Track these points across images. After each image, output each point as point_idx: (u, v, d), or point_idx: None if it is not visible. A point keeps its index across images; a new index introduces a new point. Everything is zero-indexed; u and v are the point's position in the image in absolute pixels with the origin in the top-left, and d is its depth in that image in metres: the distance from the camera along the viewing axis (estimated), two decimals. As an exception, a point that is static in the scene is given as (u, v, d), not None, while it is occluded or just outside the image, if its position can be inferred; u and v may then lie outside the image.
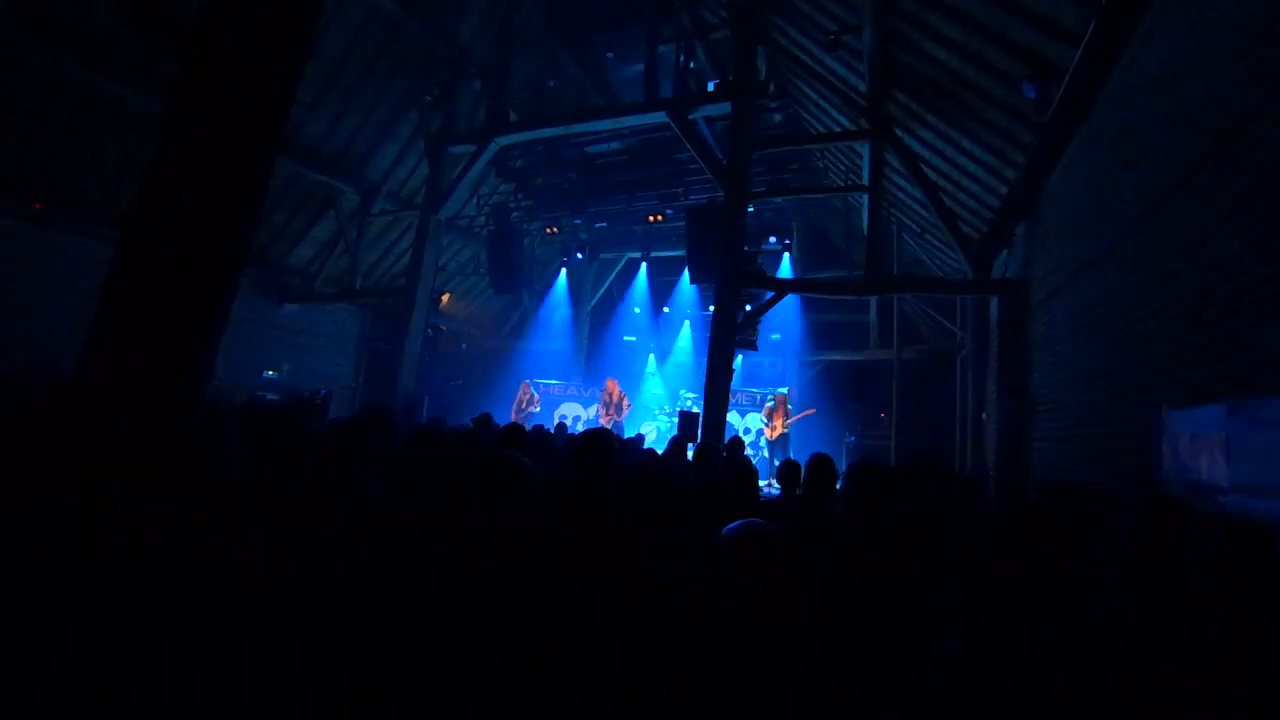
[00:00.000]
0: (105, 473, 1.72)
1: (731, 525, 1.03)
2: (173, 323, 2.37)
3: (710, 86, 8.41)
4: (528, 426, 7.27)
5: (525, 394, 12.50)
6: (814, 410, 11.30)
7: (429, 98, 9.90)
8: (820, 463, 3.44)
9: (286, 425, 2.93)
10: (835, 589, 1.56)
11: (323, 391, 8.67)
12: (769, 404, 11.10)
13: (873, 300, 11.54)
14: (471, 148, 9.45)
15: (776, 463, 10.50)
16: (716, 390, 7.21)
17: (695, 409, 9.23)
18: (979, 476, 6.97)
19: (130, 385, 2.24)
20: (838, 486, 3.56)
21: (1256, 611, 1.42)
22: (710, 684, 0.95)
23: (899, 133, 7.13)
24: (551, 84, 10.90)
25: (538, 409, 12.57)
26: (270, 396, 8.83)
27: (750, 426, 12.22)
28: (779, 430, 10.75)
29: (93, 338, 2.27)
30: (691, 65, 8.78)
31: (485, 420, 5.71)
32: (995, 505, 3.49)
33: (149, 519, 1.49)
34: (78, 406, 2.15)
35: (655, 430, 12.76)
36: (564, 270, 14.70)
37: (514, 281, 11.67)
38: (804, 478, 3.54)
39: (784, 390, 11.45)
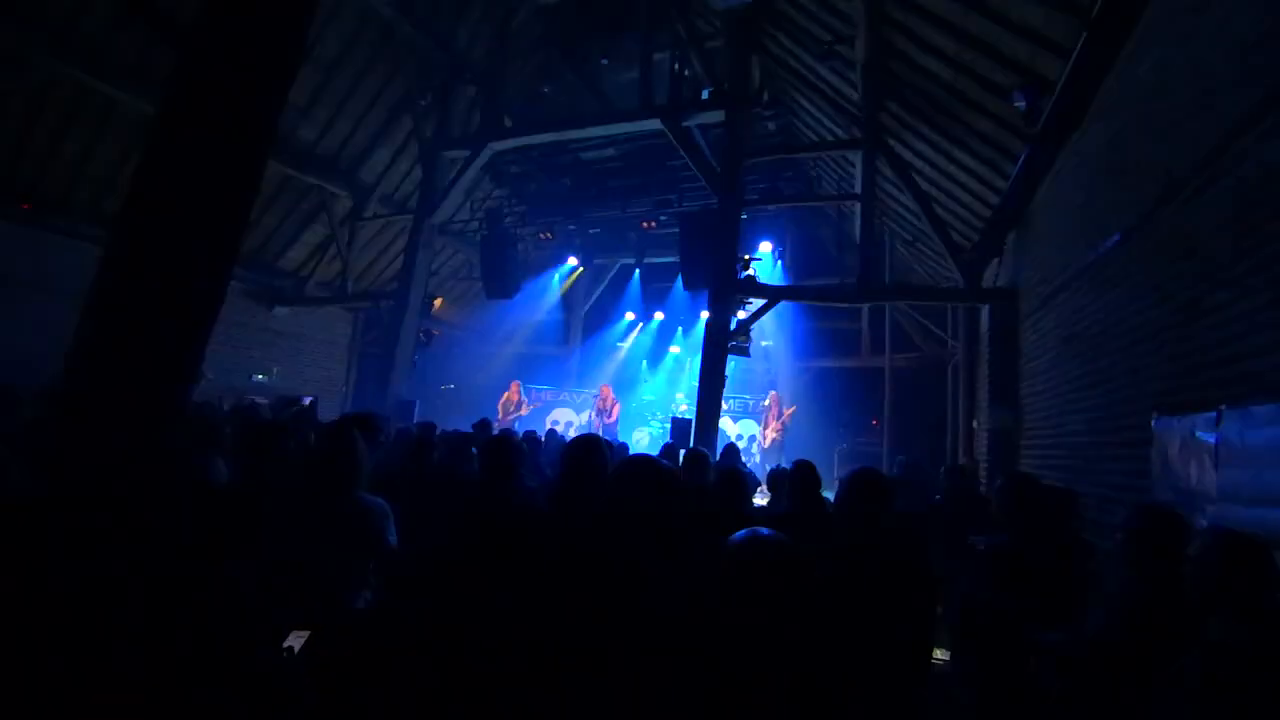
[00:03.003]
0: (92, 476, 1.70)
1: (737, 534, 1.01)
2: (160, 325, 2.34)
3: (704, 94, 8.45)
4: (517, 430, 7.24)
5: (515, 395, 12.29)
6: (794, 407, 11.29)
7: (423, 102, 9.89)
8: (802, 470, 3.42)
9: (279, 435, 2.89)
10: (831, 598, 1.55)
11: (306, 399, 8.55)
12: (765, 406, 11.08)
13: (865, 308, 11.60)
14: (466, 152, 9.45)
15: (769, 469, 10.50)
16: (709, 396, 7.22)
17: (688, 415, 9.22)
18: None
19: (117, 387, 2.21)
20: (824, 493, 3.55)
21: (1251, 620, 1.43)
22: (709, 693, 0.94)
23: (891, 142, 7.18)
24: (546, 90, 10.93)
25: (526, 413, 12.45)
26: (260, 400, 8.74)
27: (743, 433, 12.23)
28: (772, 437, 10.75)
29: (79, 339, 2.24)
30: (686, 73, 8.81)
31: (484, 425, 5.70)
32: (991, 512, 3.50)
33: (136, 523, 1.47)
34: (64, 410, 2.12)
35: (648, 436, 12.74)
36: (557, 276, 14.70)
37: (507, 286, 11.64)
38: (788, 485, 3.53)
39: (774, 391, 11.39)
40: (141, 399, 2.26)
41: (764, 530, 1.01)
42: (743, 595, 0.93)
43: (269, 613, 1.46)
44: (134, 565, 1.24)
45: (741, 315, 7.73)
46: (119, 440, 1.98)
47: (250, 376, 11.01)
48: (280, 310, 11.40)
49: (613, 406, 11.94)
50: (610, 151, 10.98)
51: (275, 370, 11.45)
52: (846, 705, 0.92)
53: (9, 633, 1.03)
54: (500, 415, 11.88)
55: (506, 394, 12.31)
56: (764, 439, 10.86)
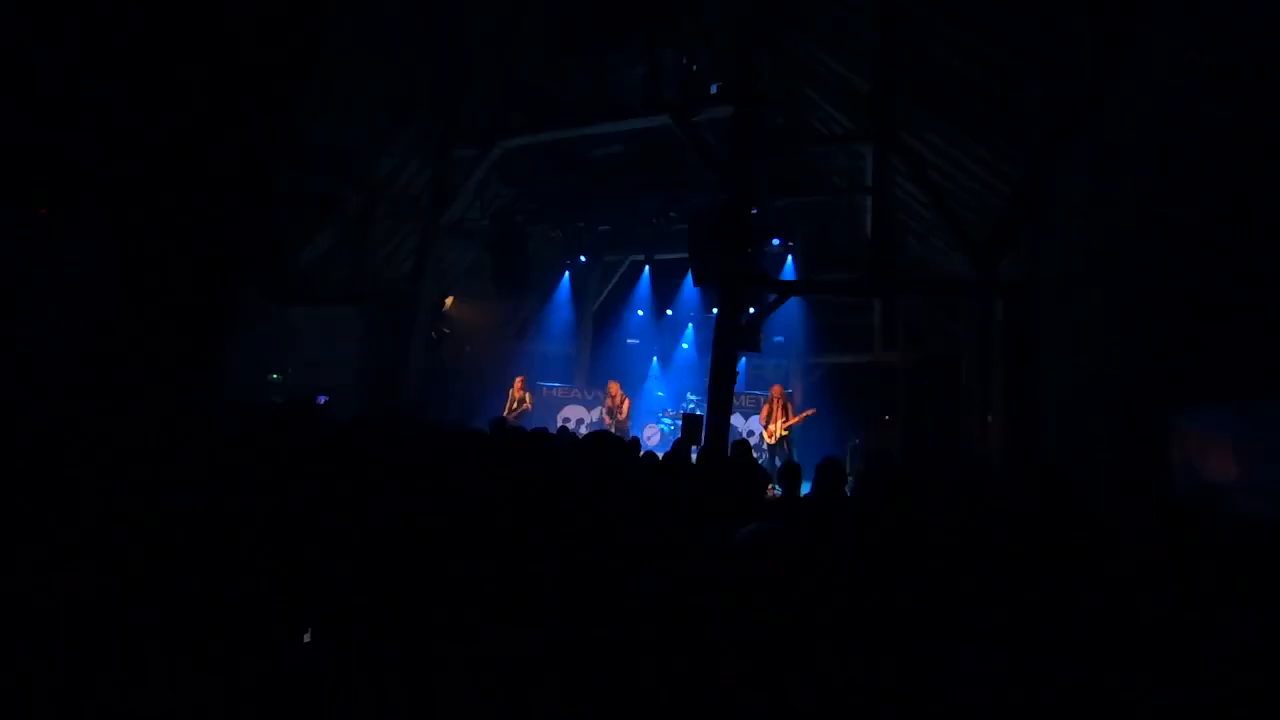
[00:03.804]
0: (111, 474, 1.72)
1: (746, 528, 1.01)
2: (176, 326, 2.38)
3: (713, 89, 8.42)
4: (526, 428, 7.27)
5: (518, 392, 12.25)
6: (814, 410, 11.16)
7: (432, 102, 9.93)
8: (831, 465, 3.46)
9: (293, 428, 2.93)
10: (846, 591, 1.55)
11: (320, 399, 8.61)
12: (764, 404, 11.00)
13: (877, 303, 11.52)
14: (475, 151, 9.48)
15: (778, 463, 10.46)
16: (720, 393, 7.21)
17: (699, 412, 9.21)
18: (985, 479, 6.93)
19: (134, 388, 2.24)
20: (847, 489, 3.57)
21: (1266, 613, 1.41)
22: (720, 688, 0.94)
23: (902, 135, 7.12)
24: (554, 87, 10.92)
25: (530, 408, 12.44)
26: (275, 400, 8.84)
27: (754, 429, 12.19)
28: (778, 433, 10.67)
29: (97, 341, 2.27)
30: (694, 68, 8.78)
31: (500, 424, 5.79)
32: (1004, 507, 3.47)
33: (154, 519, 1.49)
34: (83, 409, 2.16)
35: (659, 433, 12.75)
36: (567, 273, 14.72)
37: (517, 284, 11.67)
38: (815, 479, 3.56)
39: (778, 385, 11.25)
40: (158, 399, 2.30)
41: (771, 522, 1.01)
42: (751, 588, 0.92)
43: (285, 606, 1.48)
44: (149, 559, 1.26)
45: (752, 311, 7.71)
46: (135, 440, 2.01)
47: (264, 376, 11.12)
48: (293, 310, 11.50)
49: (623, 403, 11.93)
50: (619, 148, 10.97)
51: (289, 370, 11.56)
52: (858, 701, 0.92)
53: (31, 627, 1.05)
54: (506, 412, 11.91)
55: (510, 391, 12.30)
56: (768, 434, 10.79)
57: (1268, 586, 1.49)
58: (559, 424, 12.28)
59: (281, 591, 1.59)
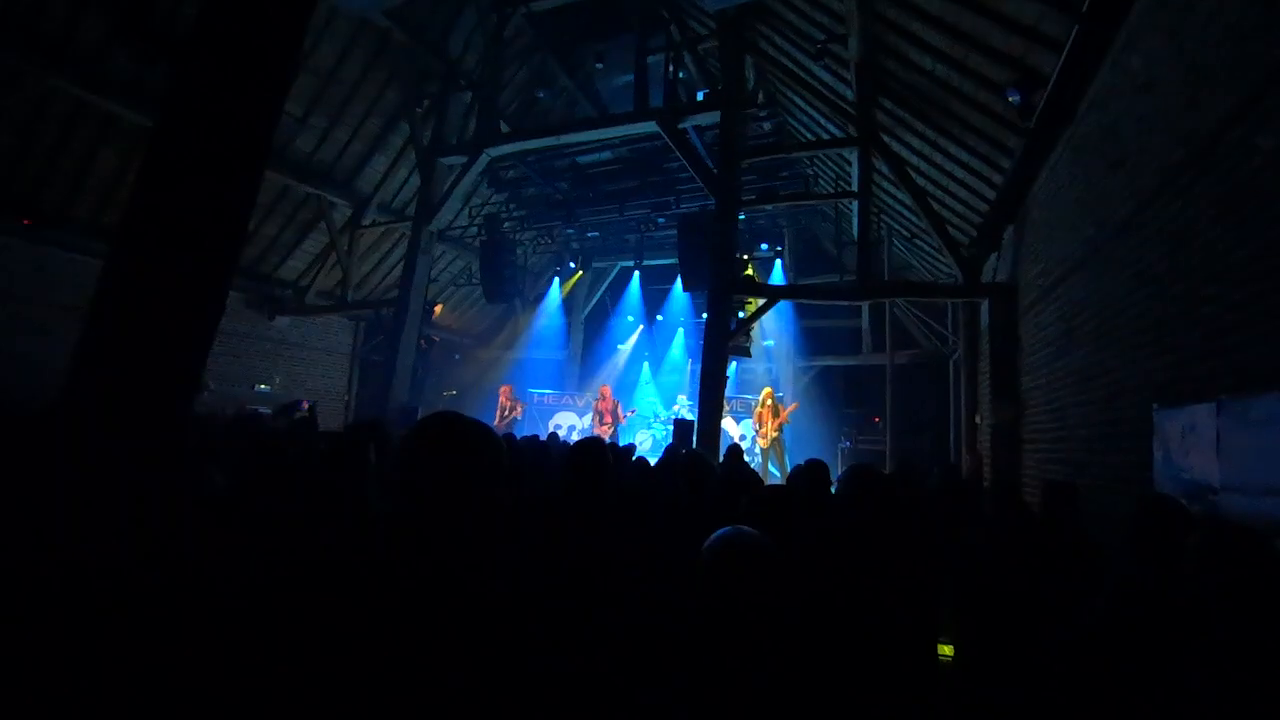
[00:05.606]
0: (93, 485, 1.71)
1: (715, 535, 0.99)
2: (162, 336, 2.35)
3: (699, 96, 8.47)
4: (516, 435, 7.24)
5: (506, 400, 12.29)
6: (797, 404, 11.32)
7: (419, 109, 9.92)
8: (813, 468, 3.45)
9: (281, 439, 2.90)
10: (829, 597, 1.55)
11: (304, 404, 8.50)
12: (756, 407, 11.06)
13: (864, 306, 11.60)
14: (463, 159, 9.47)
15: (772, 469, 10.49)
16: (710, 398, 7.22)
17: (690, 417, 9.22)
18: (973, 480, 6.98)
19: (118, 399, 2.22)
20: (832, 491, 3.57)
21: (1252, 612, 1.42)
22: (700, 704, 0.93)
23: (886, 139, 7.19)
24: (542, 95, 10.95)
25: (520, 415, 12.44)
26: (263, 410, 8.76)
27: (746, 433, 12.21)
28: (771, 435, 10.70)
29: (80, 351, 2.25)
30: (681, 75, 8.83)
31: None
32: (990, 508, 3.50)
33: (135, 530, 1.47)
34: (66, 420, 2.13)
35: (650, 439, 12.75)
36: (556, 279, 14.72)
37: (507, 291, 11.66)
38: (796, 484, 3.55)
39: (768, 388, 11.31)
40: (143, 410, 2.27)
41: (745, 529, 1.01)
42: (722, 595, 0.92)
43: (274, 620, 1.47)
44: (131, 573, 1.25)
45: (741, 315, 7.74)
46: (120, 451, 1.99)
47: (252, 386, 11.03)
48: (281, 320, 11.42)
49: (614, 408, 11.91)
50: (607, 155, 11.00)
51: (277, 380, 11.47)
52: (845, 708, 0.93)
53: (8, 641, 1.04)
54: (496, 421, 11.88)
55: (500, 402, 12.33)
56: (762, 438, 10.83)
57: (1252, 583, 1.50)
58: (550, 430, 12.25)
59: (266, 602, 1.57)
